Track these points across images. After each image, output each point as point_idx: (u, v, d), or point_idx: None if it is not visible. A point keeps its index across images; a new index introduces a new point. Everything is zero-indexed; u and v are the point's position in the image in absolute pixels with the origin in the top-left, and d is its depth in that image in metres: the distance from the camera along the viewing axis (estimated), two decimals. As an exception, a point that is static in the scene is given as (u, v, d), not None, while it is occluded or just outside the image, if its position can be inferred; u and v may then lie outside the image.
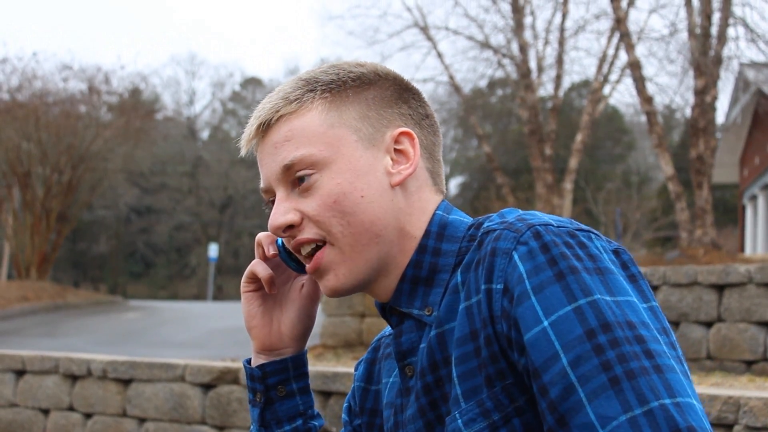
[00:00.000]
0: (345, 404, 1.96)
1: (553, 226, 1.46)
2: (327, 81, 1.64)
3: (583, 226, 1.49)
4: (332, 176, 1.58)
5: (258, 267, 1.76)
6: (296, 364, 1.82)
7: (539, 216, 1.49)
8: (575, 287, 1.37)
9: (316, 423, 1.86)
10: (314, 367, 7.69)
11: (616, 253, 1.48)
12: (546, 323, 1.36)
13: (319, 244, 1.61)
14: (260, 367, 1.80)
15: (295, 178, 1.60)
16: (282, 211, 1.61)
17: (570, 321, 1.35)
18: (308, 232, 1.61)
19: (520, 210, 1.56)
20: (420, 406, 1.58)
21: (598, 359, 1.31)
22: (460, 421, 1.48)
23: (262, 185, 1.68)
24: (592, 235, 1.47)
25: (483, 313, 1.45)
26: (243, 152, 1.70)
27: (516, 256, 1.43)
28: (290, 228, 1.62)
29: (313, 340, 11.35)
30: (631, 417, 1.26)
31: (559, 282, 1.38)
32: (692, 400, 1.30)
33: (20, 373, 8.38)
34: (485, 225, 1.55)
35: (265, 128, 1.64)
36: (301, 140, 1.60)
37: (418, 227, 1.63)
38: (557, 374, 1.33)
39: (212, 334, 17.20)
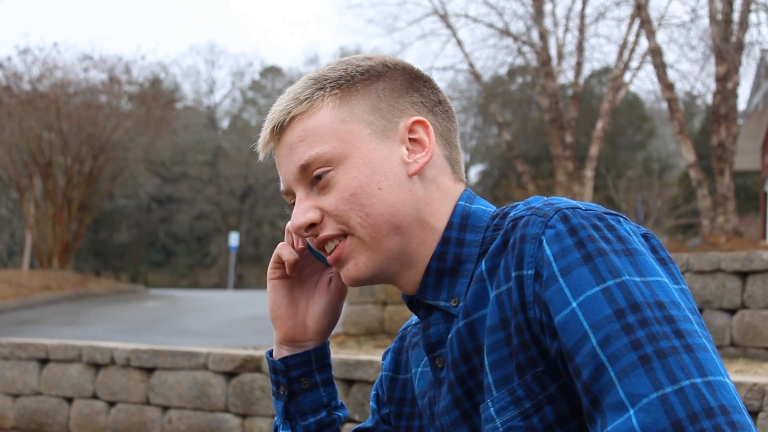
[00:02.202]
0: (373, 392, 1.95)
1: (581, 209, 1.45)
2: (335, 78, 1.64)
3: (612, 211, 1.48)
4: (348, 171, 1.58)
5: (284, 250, 1.76)
6: (319, 356, 1.81)
7: (566, 201, 1.49)
8: (603, 269, 1.36)
9: (341, 414, 1.85)
10: (337, 355, 7.70)
11: (645, 237, 1.47)
12: (574, 304, 1.35)
13: (341, 239, 1.61)
14: (283, 360, 1.80)
15: (313, 177, 1.60)
16: (302, 211, 1.61)
17: (598, 301, 1.34)
18: (329, 229, 1.61)
19: (545, 197, 1.55)
20: (455, 397, 1.58)
21: (627, 338, 1.30)
22: (492, 409, 1.47)
23: (282, 188, 1.68)
24: (621, 219, 1.46)
25: (514, 300, 1.45)
26: (261, 157, 1.71)
27: (544, 240, 1.42)
28: (312, 227, 1.62)
29: (335, 328, 11.37)
30: (662, 395, 1.25)
31: (587, 264, 1.37)
32: (724, 379, 1.28)
33: (44, 361, 8.42)
34: (511, 213, 1.54)
35: (279, 131, 1.64)
36: (314, 139, 1.60)
37: (439, 218, 1.63)
38: (587, 355, 1.32)
39: (233, 322, 17.25)
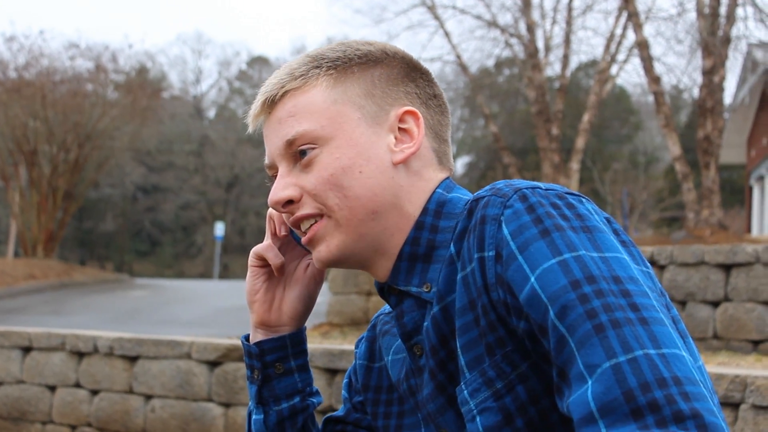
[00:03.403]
0: (345, 380, 1.96)
1: (541, 189, 1.45)
2: (333, 58, 1.64)
3: (575, 192, 1.47)
4: (332, 152, 1.58)
5: (269, 253, 1.77)
6: (295, 342, 1.81)
7: (528, 182, 1.48)
8: (560, 243, 1.35)
9: (315, 400, 1.85)
10: (320, 345, 7.70)
11: (608, 221, 1.47)
12: (533, 278, 1.34)
13: (317, 219, 1.61)
14: (258, 344, 1.80)
15: (297, 152, 1.60)
16: (282, 186, 1.61)
17: (554, 273, 1.33)
18: (306, 208, 1.61)
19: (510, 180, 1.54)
20: (438, 383, 1.57)
21: (582, 308, 1.29)
22: (466, 392, 1.47)
23: (266, 161, 1.68)
24: (583, 199, 1.46)
25: (477, 282, 1.44)
26: (251, 129, 1.70)
27: (503, 220, 1.41)
28: (290, 204, 1.62)
29: (319, 318, 11.37)
30: (615, 364, 1.23)
31: (544, 238, 1.36)
32: (680, 352, 1.26)
33: (27, 350, 8.40)
34: (476, 194, 1.53)
35: (270, 104, 1.64)
36: (304, 116, 1.60)
37: (417, 206, 1.63)
38: (550, 327, 1.32)
39: (218, 312, 17.23)
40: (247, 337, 1.84)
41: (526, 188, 1.44)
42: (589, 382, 1.25)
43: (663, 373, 1.22)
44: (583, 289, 1.30)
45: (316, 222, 1.61)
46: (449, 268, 1.53)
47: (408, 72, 1.68)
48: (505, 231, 1.40)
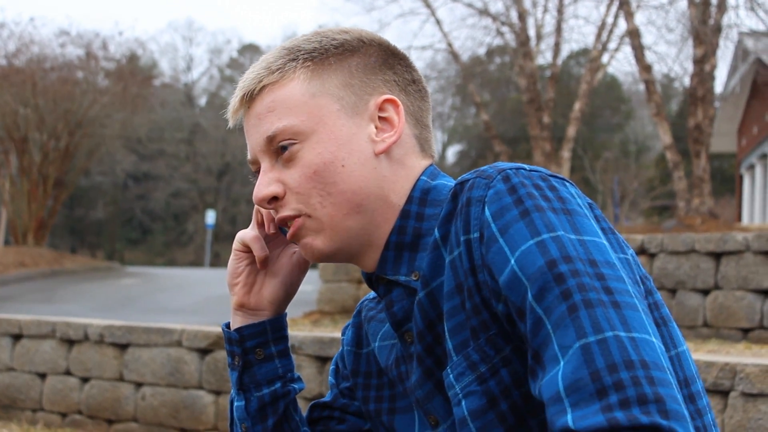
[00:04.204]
0: (332, 366, 1.96)
1: (524, 170, 1.45)
2: (309, 49, 1.63)
3: (559, 175, 1.47)
4: (313, 146, 1.58)
5: (255, 245, 1.77)
6: (275, 328, 1.81)
7: (512, 163, 1.47)
8: (539, 223, 1.36)
9: (296, 386, 1.85)
10: (311, 332, 7.70)
11: (590, 206, 1.47)
12: (512, 261, 1.35)
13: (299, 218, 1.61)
14: (238, 330, 1.80)
15: (278, 147, 1.60)
16: (265, 183, 1.61)
17: (533, 254, 1.33)
18: (288, 208, 1.61)
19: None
20: (425, 369, 1.57)
21: (558, 288, 1.29)
22: (451, 375, 1.47)
23: (248, 156, 1.68)
24: (567, 183, 1.46)
25: (464, 264, 1.44)
26: (231, 124, 1.71)
27: (486, 201, 1.42)
28: (274, 200, 1.62)
29: (310, 306, 11.38)
30: (584, 344, 1.24)
31: (524, 219, 1.37)
32: (650, 338, 1.27)
33: (17, 337, 8.39)
34: (460, 178, 1.53)
35: (249, 99, 1.65)
36: (283, 110, 1.59)
37: (402, 195, 1.63)
38: (528, 310, 1.32)
39: (209, 300, 17.22)
40: (228, 325, 1.85)
41: (510, 169, 1.44)
42: (561, 363, 1.25)
43: (631, 355, 1.23)
44: (559, 268, 1.31)
45: (299, 217, 1.61)
46: (434, 253, 1.53)
47: (386, 59, 1.67)
48: (487, 212, 1.41)
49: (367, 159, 1.59)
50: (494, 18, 24.73)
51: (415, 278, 1.58)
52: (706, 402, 1.51)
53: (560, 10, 24.31)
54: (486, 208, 1.41)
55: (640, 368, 1.22)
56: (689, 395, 1.48)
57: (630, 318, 1.28)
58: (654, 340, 1.28)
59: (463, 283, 1.45)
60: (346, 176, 1.57)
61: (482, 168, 1.49)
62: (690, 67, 19.46)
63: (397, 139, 1.62)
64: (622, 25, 22.65)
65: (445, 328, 1.49)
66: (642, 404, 1.19)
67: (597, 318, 1.26)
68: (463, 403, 1.46)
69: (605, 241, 1.39)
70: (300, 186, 1.58)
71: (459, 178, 1.53)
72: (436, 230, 1.53)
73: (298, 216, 1.60)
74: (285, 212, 1.62)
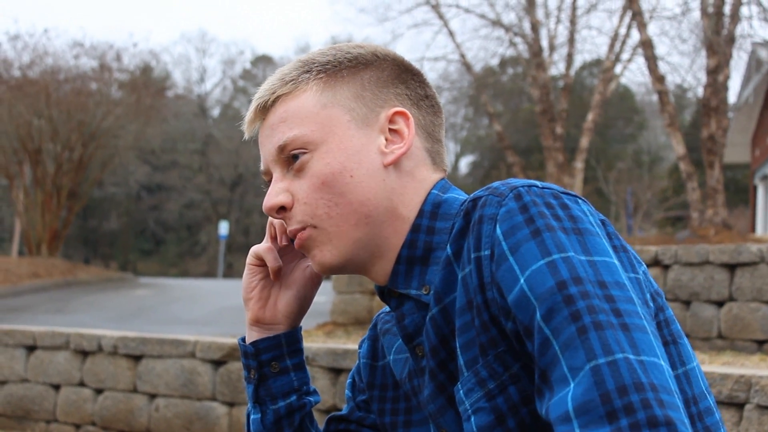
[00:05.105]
0: (348, 380, 1.98)
1: (537, 187, 1.45)
2: (323, 62, 1.65)
3: (571, 192, 1.47)
4: (322, 156, 1.59)
5: (268, 256, 1.78)
6: (290, 341, 1.83)
7: (525, 180, 1.48)
8: (550, 243, 1.36)
9: (312, 399, 1.86)
10: (325, 344, 7.69)
11: (603, 223, 1.47)
12: (522, 280, 1.35)
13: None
14: (253, 343, 1.81)
15: (289, 156, 1.61)
16: (275, 192, 1.63)
17: (542, 274, 1.33)
18: (294, 221, 1.62)
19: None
20: (438, 384, 1.57)
21: (567, 310, 1.29)
22: (461, 391, 1.48)
23: (261, 167, 1.70)
24: (579, 200, 1.46)
25: (474, 281, 1.44)
26: (246, 135, 1.72)
27: (498, 219, 1.42)
28: (282, 210, 1.63)
29: (323, 317, 11.37)
30: (594, 366, 1.24)
31: (535, 239, 1.37)
32: (659, 361, 1.27)
33: (31, 348, 8.40)
34: (472, 194, 1.54)
35: (263, 110, 1.66)
36: (294, 121, 1.61)
37: (411, 208, 1.63)
38: (536, 329, 1.32)
39: (222, 311, 17.23)
40: (244, 339, 1.85)
41: (522, 186, 1.44)
42: (572, 385, 1.25)
43: (641, 377, 1.23)
44: (569, 289, 1.31)
45: (304, 229, 1.62)
46: (447, 269, 1.53)
47: (399, 74, 1.68)
48: (498, 230, 1.41)
49: (376, 170, 1.60)
50: (507, 29, 24.76)
51: (425, 292, 1.58)
52: (718, 417, 1.51)
53: (573, 21, 24.31)
54: (498, 226, 1.41)
55: (650, 391, 1.22)
56: (698, 413, 1.49)
57: (639, 341, 1.28)
58: (663, 363, 1.28)
59: (473, 299, 1.45)
60: (354, 186, 1.58)
61: (495, 185, 1.49)
62: (703, 77, 19.43)
63: (407, 151, 1.62)
64: (635, 36, 22.66)
65: (457, 344, 1.49)
66: (652, 427, 1.19)
67: (607, 340, 1.26)
68: (472, 419, 1.46)
69: (616, 261, 1.38)
70: (308, 196, 1.60)
71: (472, 194, 1.54)
72: (448, 246, 1.53)
73: (304, 228, 1.61)
74: (292, 226, 1.63)
